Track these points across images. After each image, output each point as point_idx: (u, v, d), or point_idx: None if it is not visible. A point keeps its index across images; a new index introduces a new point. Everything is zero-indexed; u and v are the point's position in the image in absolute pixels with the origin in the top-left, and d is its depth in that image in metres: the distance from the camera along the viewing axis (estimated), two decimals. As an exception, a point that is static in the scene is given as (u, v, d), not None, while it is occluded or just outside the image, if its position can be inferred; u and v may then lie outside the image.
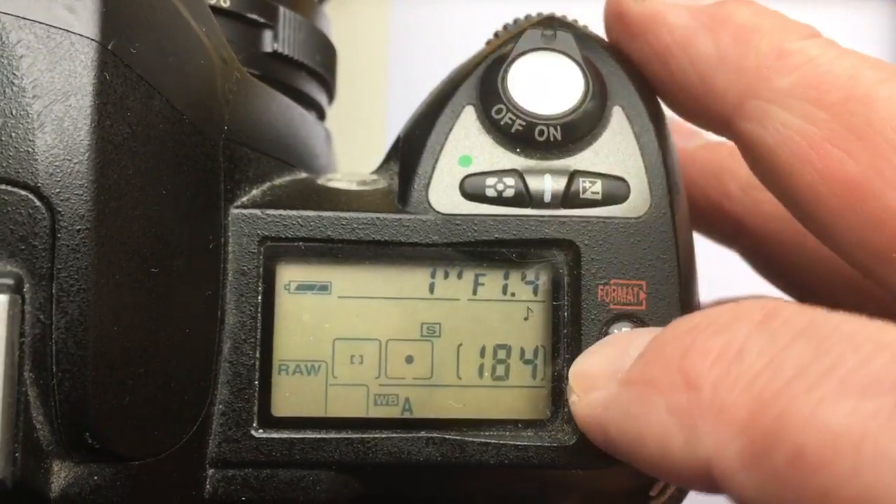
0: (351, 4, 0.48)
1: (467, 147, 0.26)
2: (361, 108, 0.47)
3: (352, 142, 0.40)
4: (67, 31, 0.21)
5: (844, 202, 0.22)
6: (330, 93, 0.34)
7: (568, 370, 0.25)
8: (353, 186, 0.27)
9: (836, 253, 0.24)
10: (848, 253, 0.23)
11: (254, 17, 0.29)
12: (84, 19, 0.21)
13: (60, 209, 0.21)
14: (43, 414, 0.21)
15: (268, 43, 0.30)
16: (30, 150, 0.20)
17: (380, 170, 0.28)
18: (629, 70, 0.27)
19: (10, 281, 0.20)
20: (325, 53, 0.33)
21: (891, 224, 0.22)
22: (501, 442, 0.25)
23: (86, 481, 0.22)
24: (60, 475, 0.21)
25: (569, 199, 0.25)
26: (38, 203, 0.21)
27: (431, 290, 0.25)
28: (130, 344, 0.22)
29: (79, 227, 0.21)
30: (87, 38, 0.21)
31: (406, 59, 0.48)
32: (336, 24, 0.36)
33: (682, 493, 0.28)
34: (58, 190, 0.21)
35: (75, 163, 0.21)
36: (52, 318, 0.21)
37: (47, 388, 0.21)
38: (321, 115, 0.34)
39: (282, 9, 0.30)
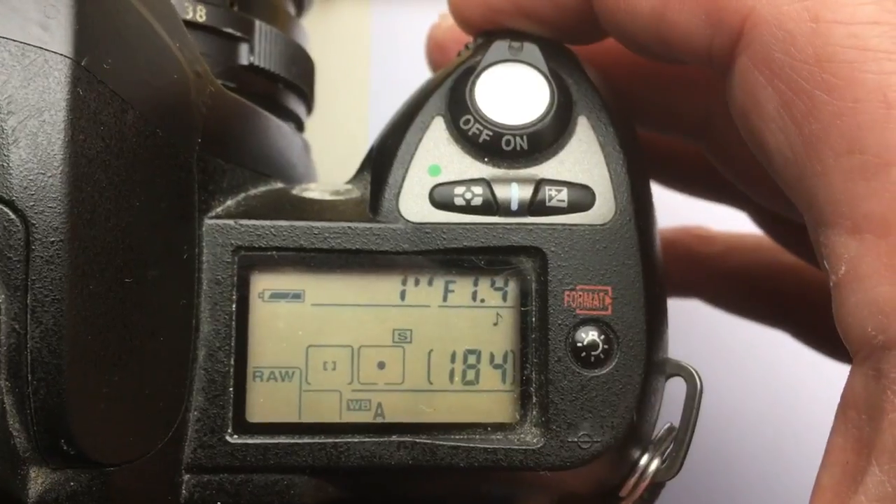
0: (332, 13, 0.48)
1: (436, 157, 0.26)
2: (343, 116, 0.47)
3: (334, 151, 0.41)
4: (41, 48, 0.22)
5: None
6: (308, 104, 0.35)
7: (536, 374, 0.26)
8: (327, 196, 0.28)
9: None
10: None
11: (229, 31, 0.30)
12: (57, 37, 0.22)
13: (34, 222, 0.21)
14: (19, 421, 0.21)
15: (244, 56, 0.30)
16: (4, 164, 0.21)
17: (353, 180, 0.29)
18: (595, 80, 0.27)
19: (-15, 292, 0.21)
20: (303, 66, 0.33)
21: None
22: (471, 445, 0.25)
23: (62, 487, 0.22)
24: (37, 481, 0.22)
25: (535, 206, 0.26)
26: (12, 216, 0.21)
27: (402, 297, 0.26)
28: (105, 352, 0.22)
29: (53, 240, 0.21)
30: (61, 55, 0.22)
31: (388, 68, 0.48)
32: (318, 32, 0.37)
33: (651, 496, 0.29)
34: (32, 203, 0.21)
35: (49, 177, 0.21)
36: (27, 327, 0.21)
37: (23, 397, 0.21)
38: (299, 126, 0.35)
39: (258, 22, 0.30)
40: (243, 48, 0.30)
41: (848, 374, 0.23)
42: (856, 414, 0.22)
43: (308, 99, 0.35)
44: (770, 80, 0.23)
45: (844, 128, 0.21)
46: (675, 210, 0.36)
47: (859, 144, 0.21)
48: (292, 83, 0.33)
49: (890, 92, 0.21)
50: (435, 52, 0.33)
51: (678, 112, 0.32)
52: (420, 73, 0.32)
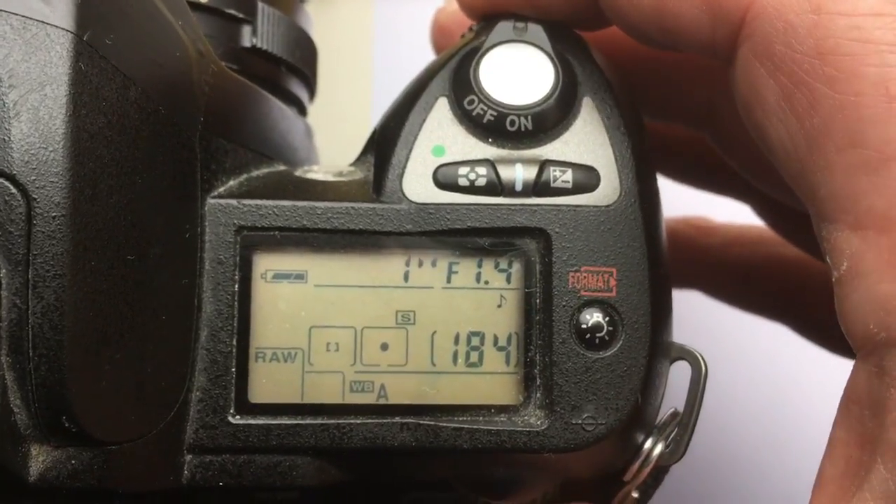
0: (336, 2, 0.48)
1: (440, 137, 0.26)
2: (346, 103, 0.47)
3: (336, 136, 0.41)
4: (43, 22, 0.21)
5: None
6: (310, 88, 0.35)
7: (540, 356, 0.26)
8: (330, 177, 0.27)
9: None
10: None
11: (232, 12, 0.29)
12: (60, 11, 0.22)
13: (36, 196, 0.21)
14: (20, 398, 0.21)
15: (246, 38, 0.30)
16: (6, 138, 0.21)
17: (357, 162, 0.28)
18: (600, 61, 0.27)
19: (-14, 267, 0.21)
20: (305, 49, 0.33)
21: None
22: (475, 427, 0.25)
23: (63, 465, 0.22)
24: (38, 459, 0.22)
25: (540, 187, 0.26)
26: (14, 190, 0.21)
27: (406, 278, 0.26)
28: (106, 329, 0.22)
29: (54, 214, 0.21)
30: (63, 29, 0.22)
31: (390, 55, 0.48)
32: (321, 20, 0.36)
33: (655, 481, 0.28)
34: (33, 178, 0.21)
35: (51, 151, 0.21)
36: (28, 303, 0.21)
37: (24, 372, 0.21)
38: (302, 110, 0.34)
39: (260, 4, 0.30)
40: (246, 30, 0.30)
41: (851, 368, 0.22)
42: (859, 409, 0.22)
43: (311, 83, 0.34)
44: (771, 73, 0.22)
45: (846, 122, 0.21)
46: (678, 201, 0.35)
47: (861, 139, 0.21)
48: (295, 66, 0.32)
49: (892, 85, 0.21)
50: (439, 35, 0.33)
51: (682, 100, 0.32)
52: (422, 58, 0.32)
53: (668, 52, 0.28)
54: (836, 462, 0.22)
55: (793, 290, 0.37)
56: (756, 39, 0.23)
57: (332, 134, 0.40)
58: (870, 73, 0.21)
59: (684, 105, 0.32)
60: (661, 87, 0.32)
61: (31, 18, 0.21)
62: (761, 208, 0.35)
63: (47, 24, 0.21)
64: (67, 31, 0.21)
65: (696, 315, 0.40)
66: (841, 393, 0.23)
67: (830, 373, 0.29)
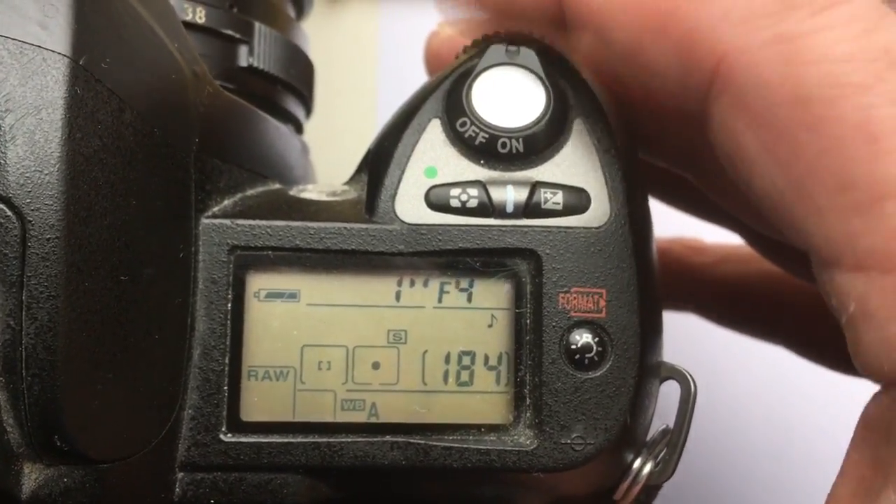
0: (341, 15, 0.49)
1: (433, 159, 0.27)
2: (351, 119, 0.48)
3: (340, 151, 0.41)
4: (40, 46, 0.22)
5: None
6: (307, 106, 0.35)
7: (530, 376, 0.26)
8: (323, 197, 0.28)
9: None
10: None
11: (229, 32, 0.30)
12: (56, 36, 0.22)
13: (31, 218, 0.21)
14: (13, 417, 0.22)
15: (243, 58, 0.30)
16: (1, 161, 0.21)
17: (351, 181, 0.29)
18: (591, 84, 0.27)
19: (-20, 288, 0.21)
20: (302, 68, 0.33)
21: None
22: (465, 446, 0.25)
23: (56, 483, 0.22)
24: (31, 477, 0.22)
25: (531, 209, 0.26)
26: (9, 213, 0.21)
27: (398, 297, 0.26)
28: (100, 349, 0.22)
29: (49, 236, 0.21)
30: (59, 53, 0.22)
31: (395, 70, 0.48)
32: (326, 34, 0.37)
33: (647, 498, 0.29)
34: (28, 200, 0.21)
35: (46, 174, 0.21)
36: (21, 324, 0.21)
37: (17, 392, 0.21)
38: (298, 128, 0.35)
39: (257, 24, 0.31)
40: (242, 50, 0.31)
41: (850, 385, 0.23)
42: (873, 435, 0.22)
43: (307, 101, 0.35)
44: (749, 126, 0.23)
45: (832, 166, 0.21)
46: (670, 220, 0.36)
47: (850, 181, 0.21)
48: (291, 85, 0.33)
49: (872, 125, 0.21)
50: (432, 60, 0.33)
51: (663, 141, 0.32)
52: (427, 76, 0.33)
53: (648, 97, 0.29)
54: (849, 482, 0.23)
55: (785, 307, 0.37)
56: (731, 92, 0.23)
57: (337, 150, 0.40)
58: (848, 116, 0.21)
59: (665, 146, 0.32)
60: (642, 127, 0.32)
61: (27, 43, 0.22)
62: (751, 239, 0.35)
63: (44, 48, 0.22)
64: (64, 55, 0.22)
65: (689, 332, 0.41)
66: (832, 408, 0.23)
67: (822, 388, 0.30)
